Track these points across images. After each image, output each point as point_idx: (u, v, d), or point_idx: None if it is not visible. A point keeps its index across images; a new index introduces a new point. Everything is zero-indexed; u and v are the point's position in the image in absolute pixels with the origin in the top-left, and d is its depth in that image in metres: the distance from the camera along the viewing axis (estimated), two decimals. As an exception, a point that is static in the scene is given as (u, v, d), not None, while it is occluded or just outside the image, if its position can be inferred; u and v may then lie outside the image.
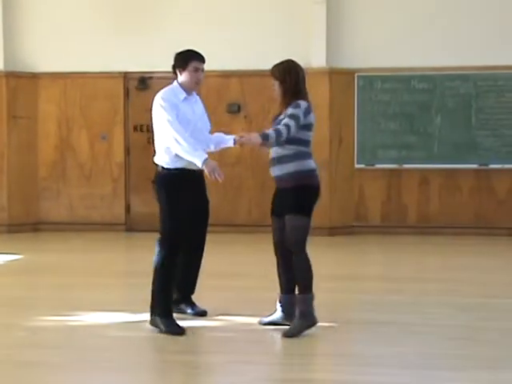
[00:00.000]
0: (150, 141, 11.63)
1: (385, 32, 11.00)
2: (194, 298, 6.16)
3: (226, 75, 11.35)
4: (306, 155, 5.61)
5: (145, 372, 4.79)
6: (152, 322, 5.69)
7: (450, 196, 11.10)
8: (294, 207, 5.52)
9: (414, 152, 11.06)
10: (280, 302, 5.73)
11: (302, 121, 5.56)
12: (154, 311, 5.68)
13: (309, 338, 5.52)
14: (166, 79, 11.49)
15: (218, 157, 11.44)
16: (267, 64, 12.01)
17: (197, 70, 5.80)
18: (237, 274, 8.15)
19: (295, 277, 5.60)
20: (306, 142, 5.63)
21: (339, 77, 11.11)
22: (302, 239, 5.57)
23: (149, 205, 11.62)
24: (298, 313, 5.51)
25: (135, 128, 11.63)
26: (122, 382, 4.68)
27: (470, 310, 6.26)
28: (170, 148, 5.63)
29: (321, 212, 11.40)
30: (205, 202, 6.01)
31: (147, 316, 5.86)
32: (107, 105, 11.57)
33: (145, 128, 11.60)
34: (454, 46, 10.93)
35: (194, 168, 5.67)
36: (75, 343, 5.40)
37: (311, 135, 5.69)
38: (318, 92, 11.05)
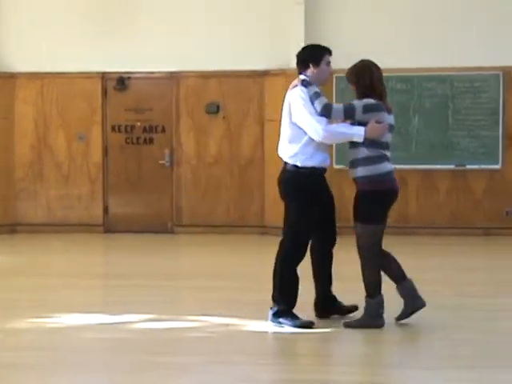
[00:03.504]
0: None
1: (363, 33, 11.04)
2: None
3: (205, 76, 11.34)
4: (376, 159, 5.63)
5: (122, 374, 4.77)
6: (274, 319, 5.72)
7: (428, 196, 11.15)
8: (357, 214, 5.70)
9: (392, 152, 11.05)
10: (400, 294, 5.75)
11: (359, 116, 5.56)
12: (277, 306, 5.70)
13: (287, 338, 5.53)
14: (145, 79, 11.59)
15: (197, 157, 11.49)
16: (246, 65, 12.08)
17: (329, 63, 5.90)
18: (215, 275, 8.15)
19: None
20: (375, 144, 5.62)
21: (317, 77, 11.11)
22: (366, 245, 5.68)
23: (127, 206, 11.59)
24: (364, 311, 5.67)
25: (113, 128, 11.58)
26: (99, 383, 4.66)
27: (447, 310, 6.30)
28: (320, 138, 5.61)
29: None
30: (332, 198, 6.03)
31: (125, 317, 5.82)
32: (85, 105, 11.51)
33: (123, 128, 11.56)
34: (431, 47, 10.98)
35: (326, 166, 5.81)
36: (52, 345, 5.37)
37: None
38: (296, 93, 11.07)
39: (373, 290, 5.68)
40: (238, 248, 10.21)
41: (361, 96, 5.68)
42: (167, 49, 11.34)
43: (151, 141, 11.54)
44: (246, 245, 10.49)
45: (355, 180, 5.75)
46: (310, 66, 5.85)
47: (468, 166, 10.98)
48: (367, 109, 5.57)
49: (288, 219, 5.80)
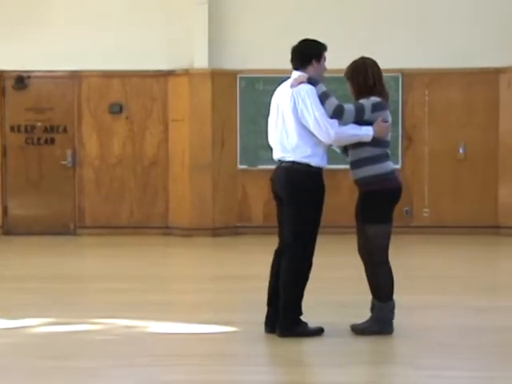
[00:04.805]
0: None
1: (266, 33, 11.13)
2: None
3: (108, 75, 11.20)
4: (381, 158, 5.53)
5: (23, 380, 4.66)
6: (288, 334, 5.42)
7: (331, 196, 11.23)
8: (368, 216, 5.55)
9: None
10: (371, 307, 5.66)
11: (368, 115, 5.43)
12: (286, 324, 5.43)
13: (190, 339, 5.52)
14: (45, 78, 11.35)
15: (100, 157, 11.32)
16: (149, 64, 11.98)
17: (325, 59, 5.70)
18: (118, 277, 8.06)
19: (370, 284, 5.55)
20: (380, 143, 5.52)
21: (221, 78, 11.16)
22: (380, 247, 5.56)
23: (27, 207, 11.32)
24: (374, 317, 5.53)
25: (12, 128, 11.29)
26: (-1, 390, 4.54)
27: (348, 308, 6.41)
28: (331, 140, 5.44)
29: (204, 213, 11.46)
30: None
31: (26, 322, 5.69)
32: (-18, 104, 11.20)
33: (22, 128, 11.29)
34: (330, 48, 11.14)
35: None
36: None
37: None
38: (200, 93, 11.08)
39: (386, 294, 5.53)
40: (142, 249, 10.13)
41: (358, 94, 5.55)
42: (68, 47, 11.13)
43: (52, 141, 11.31)
44: (150, 246, 10.42)
45: (359, 181, 5.62)
46: (313, 61, 5.63)
47: (369, 166, 11.21)
48: (375, 108, 5.46)
49: (294, 225, 5.43)
